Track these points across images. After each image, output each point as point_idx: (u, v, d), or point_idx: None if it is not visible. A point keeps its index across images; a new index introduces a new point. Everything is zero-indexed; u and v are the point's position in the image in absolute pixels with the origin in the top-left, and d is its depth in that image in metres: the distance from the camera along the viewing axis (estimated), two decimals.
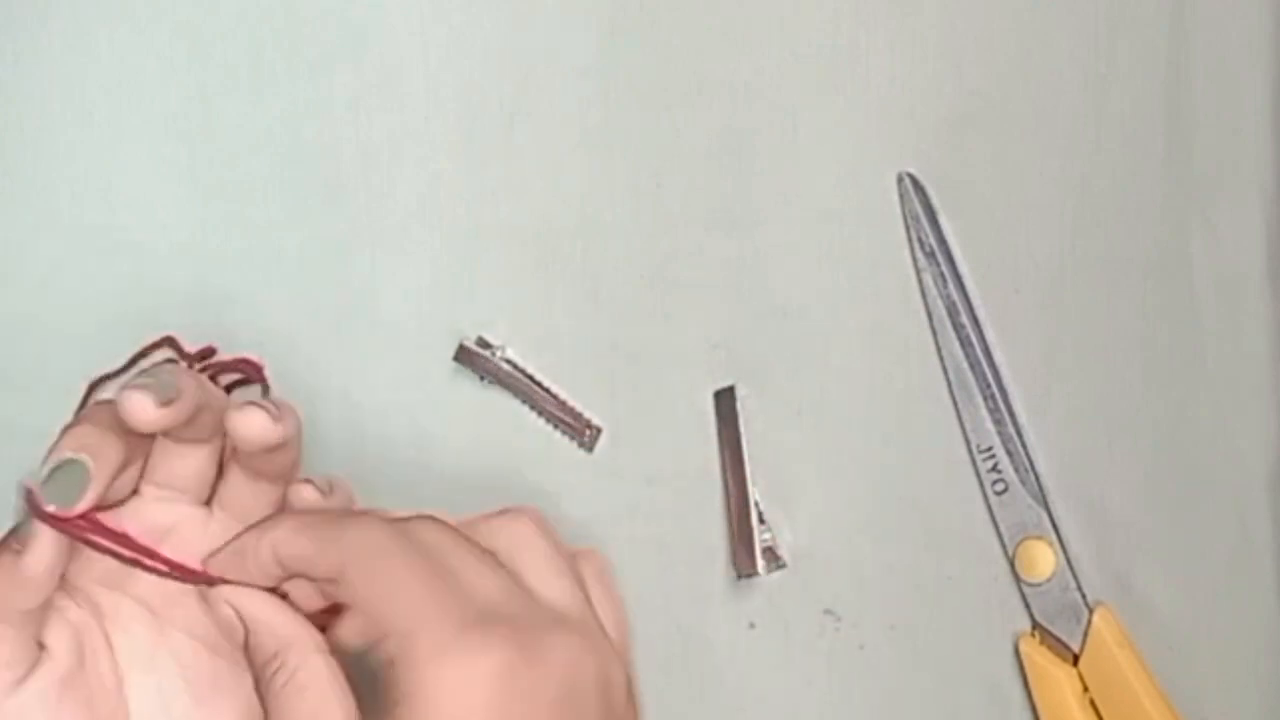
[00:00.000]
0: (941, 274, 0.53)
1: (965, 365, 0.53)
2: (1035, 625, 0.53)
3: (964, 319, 0.53)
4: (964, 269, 0.53)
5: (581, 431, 0.54)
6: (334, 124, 0.53)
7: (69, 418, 0.53)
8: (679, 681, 0.54)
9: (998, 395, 0.53)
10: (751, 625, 0.54)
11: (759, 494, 0.53)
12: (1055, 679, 0.53)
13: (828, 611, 0.54)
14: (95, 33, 0.53)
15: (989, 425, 0.53)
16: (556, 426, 0.54)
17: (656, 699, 0.53)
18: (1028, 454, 0.53)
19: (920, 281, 0.53)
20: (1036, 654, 0.53)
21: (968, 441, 0.53)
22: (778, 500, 0.54)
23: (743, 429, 0.53)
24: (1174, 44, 0.52)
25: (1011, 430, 0.53)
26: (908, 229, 0.53)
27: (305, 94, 0.53)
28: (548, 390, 0.54)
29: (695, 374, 0.54)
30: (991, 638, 0.54)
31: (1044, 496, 0.53)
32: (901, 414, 0.54)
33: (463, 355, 0.54)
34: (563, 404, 0.54)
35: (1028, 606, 0.53)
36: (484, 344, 0.54)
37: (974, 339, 0.53)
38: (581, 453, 0.54)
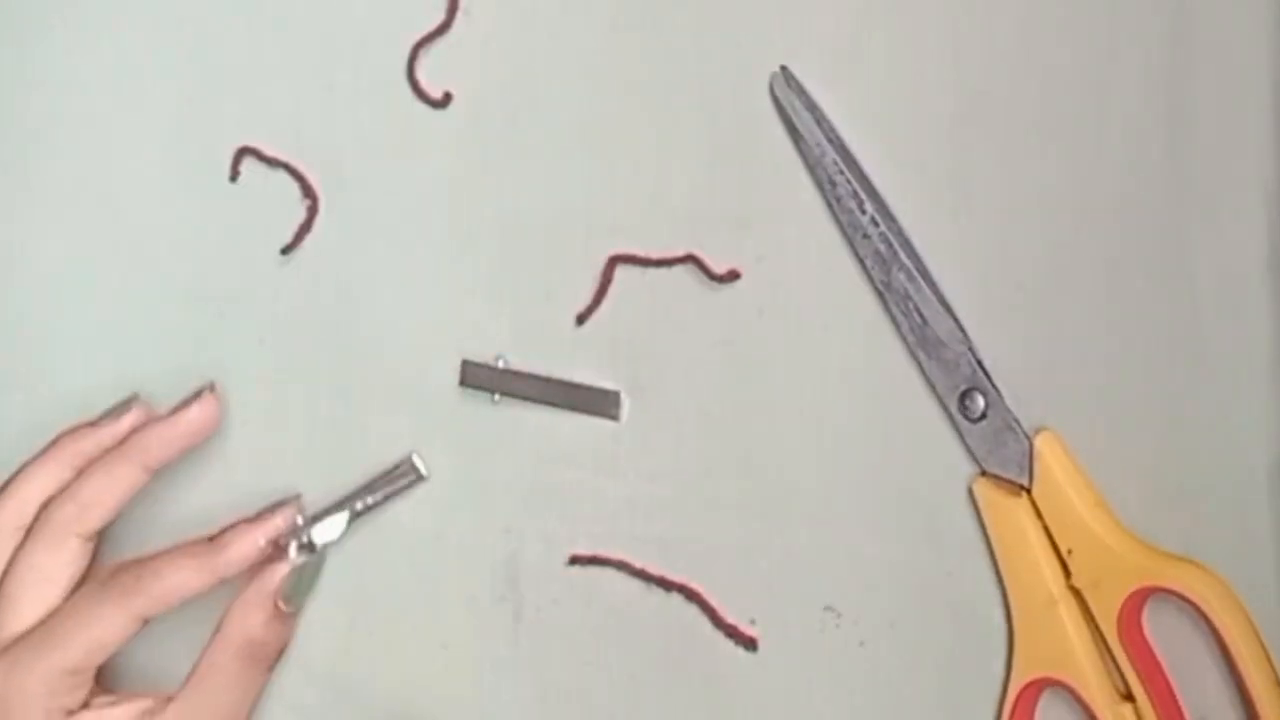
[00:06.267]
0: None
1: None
2: None
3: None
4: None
5: (603, 402, 0.53)
6: (334, 124, 0.53)
7: (70, 418, 0.54)
8: (678, 681, 0.54)
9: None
10: (752, 622, 0.54)
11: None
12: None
13: (828, 608, 0.54)
14: (95, 33, 0.53)
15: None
16: (578, 409, 0.54)
17: (657, 699, 0.54)
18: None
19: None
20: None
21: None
22: (777, 499, 0.54)
23: None
24: (1174, 44, 0.52)
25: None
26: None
27: (305, 94, 0.53)
28: (558, 380, 0.53)
29: (695, 373, 0.54)
30: (990, 633, 0.54)
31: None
32: (901, 413, 0.54)
33: (468, 372, 0.54)
34: (577, 385, 0.54)
35: None
36: (484, 362, 0.54)
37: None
38: (583, 453, 0.54)
